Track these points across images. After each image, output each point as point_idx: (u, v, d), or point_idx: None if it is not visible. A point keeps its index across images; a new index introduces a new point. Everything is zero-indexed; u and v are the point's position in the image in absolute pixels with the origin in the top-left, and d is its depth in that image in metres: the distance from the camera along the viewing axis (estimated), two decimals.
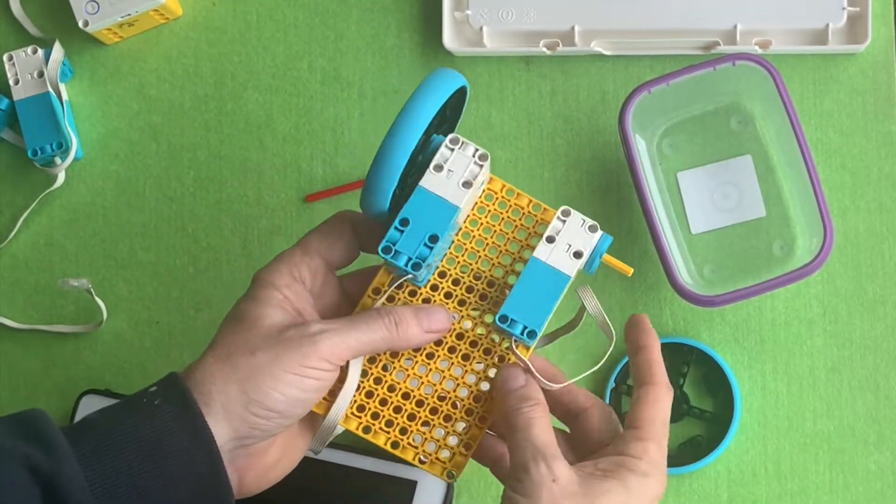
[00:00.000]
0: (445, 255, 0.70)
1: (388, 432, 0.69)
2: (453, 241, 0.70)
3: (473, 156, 0.68)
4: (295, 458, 0.71)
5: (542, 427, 0.66)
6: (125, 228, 0.91)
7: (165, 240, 0.90)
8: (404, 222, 0.66)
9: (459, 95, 0.70)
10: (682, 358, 0.86)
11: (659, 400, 0.68)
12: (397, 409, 0.70)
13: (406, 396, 0.70)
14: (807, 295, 0.87)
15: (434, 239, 0.66)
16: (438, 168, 0.67)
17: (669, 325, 0.87)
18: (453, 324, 0.70)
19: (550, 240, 0.68)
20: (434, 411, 0.70)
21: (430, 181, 0.67)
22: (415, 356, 0.70)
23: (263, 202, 0.90)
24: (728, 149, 0.87)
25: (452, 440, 0.69)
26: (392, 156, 0.65)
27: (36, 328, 0.90)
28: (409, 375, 0.70)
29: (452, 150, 0.68)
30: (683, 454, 0.85)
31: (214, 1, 0.92)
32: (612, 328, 0.70)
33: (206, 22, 0.92)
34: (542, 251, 0.68)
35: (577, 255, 0.68)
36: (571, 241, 0.68)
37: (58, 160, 0.90)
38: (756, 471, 0.86)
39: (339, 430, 0.70)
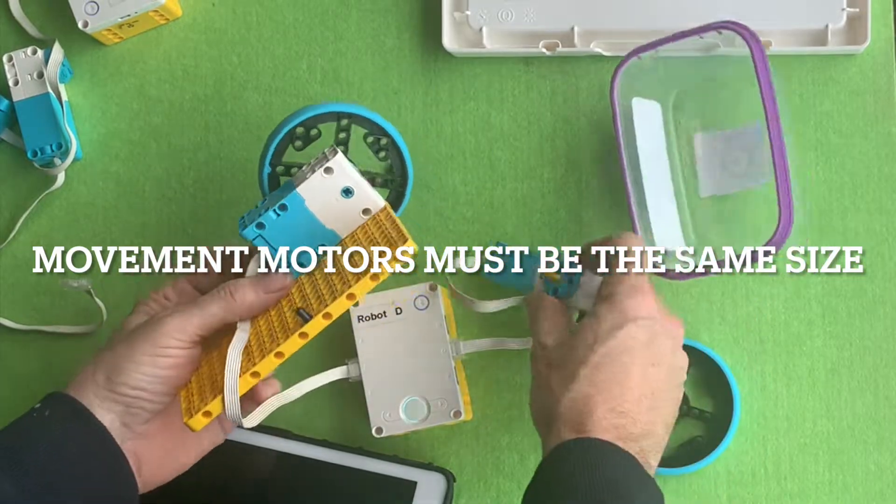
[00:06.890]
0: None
1: None
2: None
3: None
4: (189, 453, 0.79)
5: (540, 320, 0.76)
6: (125, 229, 0.91)
7: (165, 240, 0.90)
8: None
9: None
10: None
11: (611, 242, 0.76)
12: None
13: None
14: (807, 295, 0.87)
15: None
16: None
17: None
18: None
19: None
20: None
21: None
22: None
23: None
24: (741, 116, 0.84)
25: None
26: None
27: (36, 329, 0.90)
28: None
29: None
30: (683, 455, 0.85)
31: (214, 1, 0.92)
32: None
33: (205, 22, 0.92)
34: None
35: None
36: None
37: (57, 161, 0.90)
38: (755, 471, 0.86)
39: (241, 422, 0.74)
